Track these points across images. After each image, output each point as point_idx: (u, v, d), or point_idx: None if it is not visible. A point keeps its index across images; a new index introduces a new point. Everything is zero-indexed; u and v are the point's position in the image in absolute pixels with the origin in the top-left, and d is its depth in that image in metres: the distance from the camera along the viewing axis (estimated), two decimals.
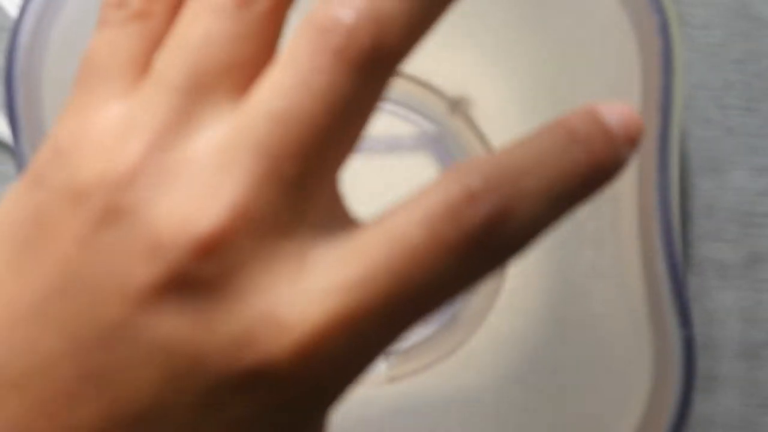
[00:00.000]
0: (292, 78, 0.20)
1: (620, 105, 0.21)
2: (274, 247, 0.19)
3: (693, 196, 0.39)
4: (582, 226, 0.33)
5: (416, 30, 0.20)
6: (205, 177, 0.19)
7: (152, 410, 0.19)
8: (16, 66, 0.32)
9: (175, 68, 0.20)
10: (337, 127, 0.20)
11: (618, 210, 0.33)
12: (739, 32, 0.39)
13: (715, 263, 0.39)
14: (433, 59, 0.34)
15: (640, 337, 0.33)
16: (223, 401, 0.19)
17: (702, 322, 0.39)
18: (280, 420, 0.20)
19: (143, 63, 0.21)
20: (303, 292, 0.19)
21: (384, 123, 0.35)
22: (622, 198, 0.33)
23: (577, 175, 0.20)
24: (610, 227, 0.33)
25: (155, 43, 0.21)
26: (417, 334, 0.34)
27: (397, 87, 0.35)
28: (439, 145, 0.34)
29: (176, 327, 0.19)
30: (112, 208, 0.20)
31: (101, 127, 0.20)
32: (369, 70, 0.20)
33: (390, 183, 0.35)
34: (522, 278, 0.34)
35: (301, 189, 0.20)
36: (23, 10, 0.32)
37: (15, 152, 0.32)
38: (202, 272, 0.19)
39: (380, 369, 0.34)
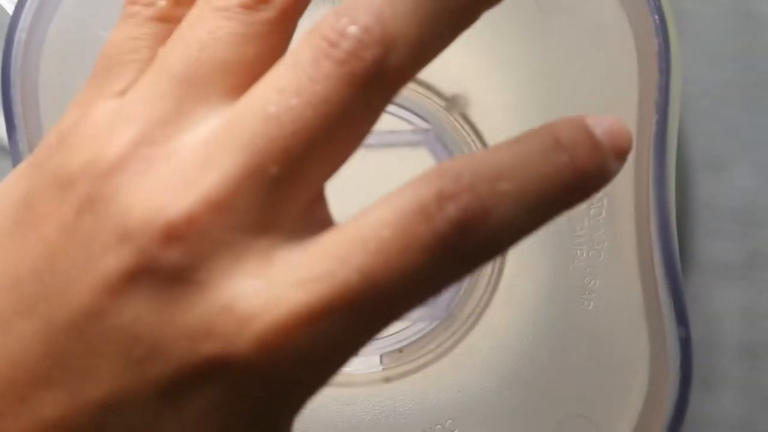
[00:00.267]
0: (289, 82, 0.20)
1: (610, 117, 0.21)
2: (243, 243, 0.19)
3: (692, 195, 0.39)
4: (579, 225, 0.33)
5: (424, 55, 0.20)
6: (186, 169, 0.20)
7: (114, 397, 0.19)
8: (12, 63, 0.32)
9: (176, 61, 0.21)
10: (327, 138, 0.20)
11: (615, 209, 0.33)
12: (738, 31, 0.39)
13: (715, 263, 0.39)
14: None
15: (636, 336, 0.33)
16: (183, 392, 0.19)
17: (702, 322, 0.38)
18: (244, 413, 0.20)
19: None
20: (267, 286, 0.19)
21: (381, 119, 0.35)
22: (619, 197, 0.33)
23: (558, 182, 0.20)
24: (606, 226, 0.33)
25: None
26: (413, 333, 0.34)
27: None
28: (436, 142, 0.34)
29: (140, 314, 0.19)
30: (92, 197, 0.20)
31: (98, 117, 0.21)
32: (368, 87, 0.20)
33: (386, 180, 0.35)
34: (518, 277, 0.34)
35: (280, 191, 0.20)
36: (20, 6, 0.32)
37: (10, 151, 0.32)
38: (169, 260, 0.19)
39: (376, 368, 0.34)
